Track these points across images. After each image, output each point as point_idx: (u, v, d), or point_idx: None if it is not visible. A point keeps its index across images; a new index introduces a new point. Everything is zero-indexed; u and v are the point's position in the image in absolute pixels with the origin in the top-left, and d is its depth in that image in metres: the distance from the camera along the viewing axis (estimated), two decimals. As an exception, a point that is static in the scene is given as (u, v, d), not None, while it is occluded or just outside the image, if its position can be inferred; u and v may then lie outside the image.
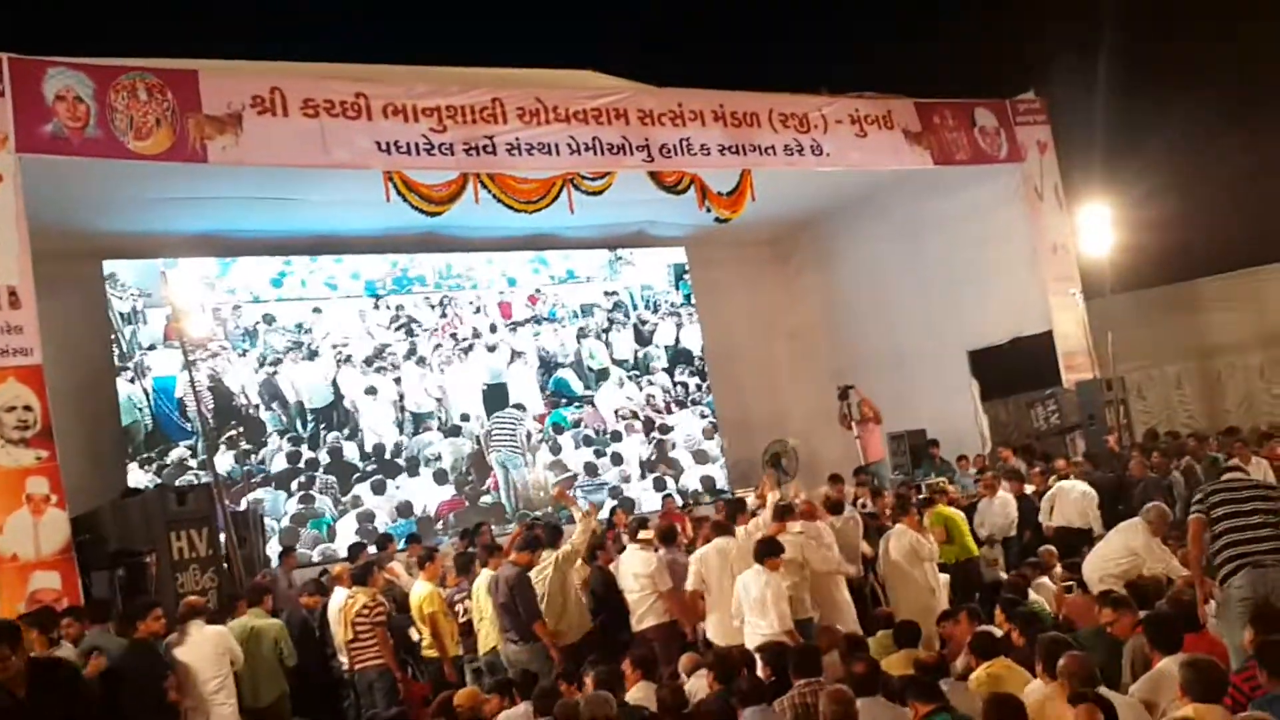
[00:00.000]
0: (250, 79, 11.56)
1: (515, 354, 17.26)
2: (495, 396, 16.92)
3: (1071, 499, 12.09)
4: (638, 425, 18.03)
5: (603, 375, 18.01)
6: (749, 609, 8.70)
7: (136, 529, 10.55)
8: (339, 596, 10.03)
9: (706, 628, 9.41)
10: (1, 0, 15.63)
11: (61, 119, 10.34)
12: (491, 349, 17.06)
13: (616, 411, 17.92)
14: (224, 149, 11.03)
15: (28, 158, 10.12)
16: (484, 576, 9.75)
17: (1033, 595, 9.19)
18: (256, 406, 15.17)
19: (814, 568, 9.59)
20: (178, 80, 11.00)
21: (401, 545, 13.18)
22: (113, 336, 14.30)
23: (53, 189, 10.70)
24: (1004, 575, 11.01)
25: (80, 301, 13.69)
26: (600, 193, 13.55)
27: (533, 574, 9.42)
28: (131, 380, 14.34)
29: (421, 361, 16.46)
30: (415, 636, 10.17)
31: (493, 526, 13.66)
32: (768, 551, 8.83)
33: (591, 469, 17.36)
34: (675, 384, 18.62)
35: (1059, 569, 9.97)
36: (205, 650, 8.30)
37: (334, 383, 15.78)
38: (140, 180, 11.84)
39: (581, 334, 17.97)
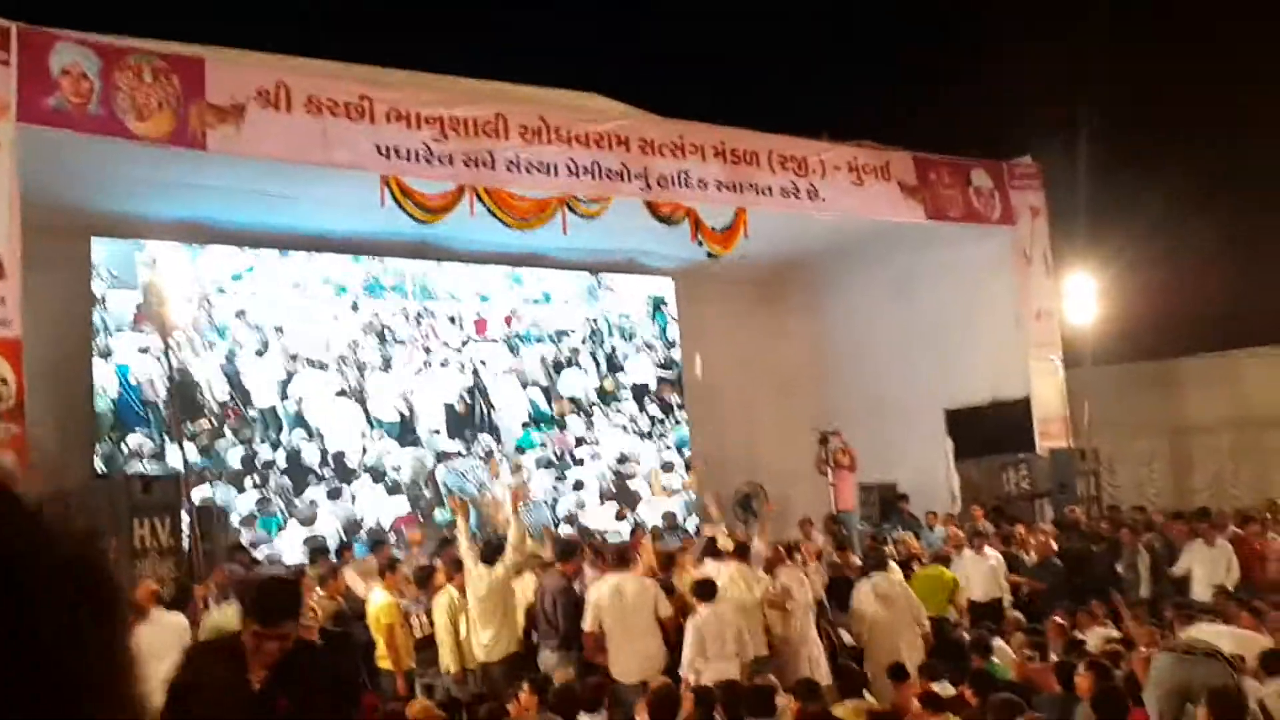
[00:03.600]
0: (256, 71, 11.51)
1: (486, 371, 17.01)
2: (464, 413, 16.68)
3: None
4: (602, 452, 17.88)
5: (572, 400, 17.87)
6: (709, 649, 8.63)
7: (100, 513, 10.42)
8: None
9: (610, 665, 9.20)
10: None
11: (65, 94, 10.23)
12: (462, 365, 16.81)
13: (579, 437, 17.82)
14: (225, 138, 10.96)
15: (22, 129, 10.01)
16: (446, 592, 9.69)
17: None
18: (222, 403, 14.79)
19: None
20: (184, 66, 10.94)
21: (362, 552, 12.99)
22: (92, 317, 14.01)
23: (43, 162, 10.52)
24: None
25: (61, 279, 13.35)
26: (594, 216, 13.53)
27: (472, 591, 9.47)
28: (106, 362, 14.06)
29: (391, 370, 16.13)
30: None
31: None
32: (707, 592, 8.90)
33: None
34: (643, 415, 18.52)
35: (1021, 636, 9.93)
36: (165, 637, 8.13)
37: (299, 384, 15.39)
38: (129, 160, 11.59)
39: (556, 358, 17.79)
